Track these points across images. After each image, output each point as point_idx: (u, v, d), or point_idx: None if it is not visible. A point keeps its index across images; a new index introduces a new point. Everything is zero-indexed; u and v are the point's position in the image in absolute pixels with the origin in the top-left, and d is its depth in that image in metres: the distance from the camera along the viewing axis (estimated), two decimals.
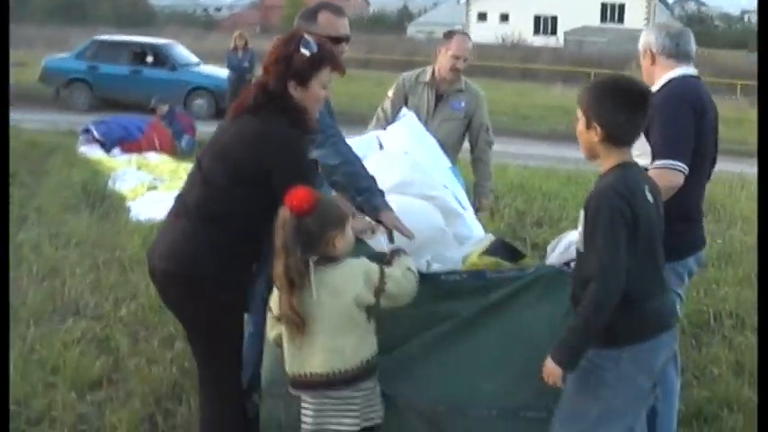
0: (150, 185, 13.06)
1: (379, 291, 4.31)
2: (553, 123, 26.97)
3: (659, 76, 5.29)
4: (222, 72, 24.76)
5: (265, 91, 4.58)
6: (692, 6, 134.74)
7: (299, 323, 4.22)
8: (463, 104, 7.72)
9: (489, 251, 5.47)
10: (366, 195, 5.28)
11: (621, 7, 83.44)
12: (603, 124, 3.99)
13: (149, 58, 26.26)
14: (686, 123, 5.04)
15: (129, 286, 8.32)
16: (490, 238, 5.92)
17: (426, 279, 4.81)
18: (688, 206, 5.12)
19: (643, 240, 3.93)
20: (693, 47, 5.42)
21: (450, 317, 4.91)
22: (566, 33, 69.36)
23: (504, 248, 5.59)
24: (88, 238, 10.15)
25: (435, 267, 5.38)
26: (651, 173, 4.72)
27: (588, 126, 4.06)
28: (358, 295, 4.27)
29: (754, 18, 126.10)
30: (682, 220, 4.93)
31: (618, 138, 4.03)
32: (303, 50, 4.59)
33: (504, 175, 14.23)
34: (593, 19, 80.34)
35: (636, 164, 4.16)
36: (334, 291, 4.26)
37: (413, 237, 5.22)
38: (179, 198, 4.70)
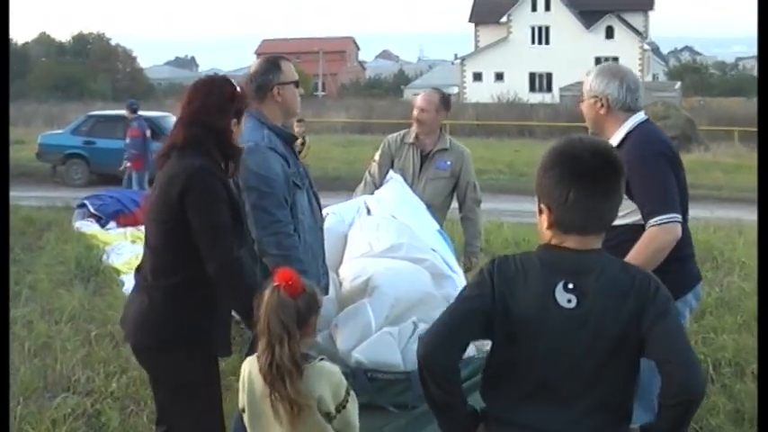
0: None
1: (340, 407, 3.94)
2: None
3: (612, 126, 5.24)
4: None
5: (201, 128, 4.52)
6: (686, 56, 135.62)
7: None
8: (449, 163, 7.73)
9: None
10: None
11: (615, 60, 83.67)
12: (550, 203, 3.20)
13: (148, 132, 26.31)
14: (669, 174, 5.03)
15: (120, 360, 8.23)
16: None
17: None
18: (681, 246, 5.06)
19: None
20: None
21: None
22: (561, 89, 69.52)
23: None
24: (81, 312, 10.09)
25: (422, 327, 5.35)
26: (653, 230, 4.76)
27: (539, 209, 3.29)
28: (321, 396, 3.90)
29: (749, 64, 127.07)
30: (677, 260, 4.95)
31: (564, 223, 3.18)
32: (238, 90, 4.68)
33: (499, 232, 14.23)
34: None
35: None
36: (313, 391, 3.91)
37: None
38: (137, 272, 4.69)
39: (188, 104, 4.61)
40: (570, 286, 3.11)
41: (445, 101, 7.85)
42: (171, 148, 4.56)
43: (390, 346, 5.25)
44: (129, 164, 21.43)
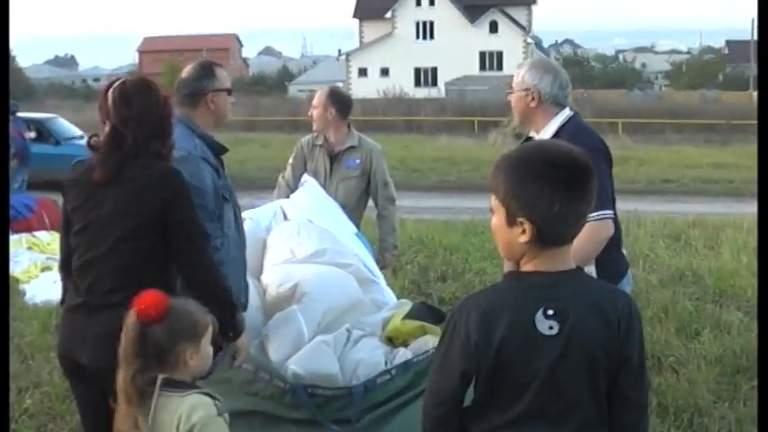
0: (44, 266, 12.70)
1: None
2: (442, 174, 27.23)
3: (542, 119, 5.25)
4: None
5: (146, 131, 4.42)
6: (567, 49, 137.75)
7: None
8: (358, 161, 7.68)
9: (412, 314, 5.38)
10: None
11: (500, 55, 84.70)
12: (532, 217, 2.96)
13: (32, 134, 25.70)
14: (607, 171, 5.11)
15: (31, 375, 7.93)
16: (408, 303, 5.85)
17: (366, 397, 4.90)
18: (615, 238, 5.11)
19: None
20: None
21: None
22: (446, 84, 70.14)
23: (427, 311, 5.52)
24: None
25: (356, 334, 5.31)
26: (593, 225, 4.73)
27: (510, 222, 3.02)
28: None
29: (629, 57, 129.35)
30: (617, 248, 5.19)
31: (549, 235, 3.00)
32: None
33: (403, 231, 14.11)
34: (473, 68, 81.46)
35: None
36: (163, 424, 3.66)
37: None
38: (85, 292, 4.39)
39: (120, 109, 4.43)
40: (550, 312, 2.95)
41: (334, 96, 7.72)
42: (122, 158, 4.36)
43: (327, 355, 5.17)
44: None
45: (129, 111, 4.41)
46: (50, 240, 14.81)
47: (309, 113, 7.72)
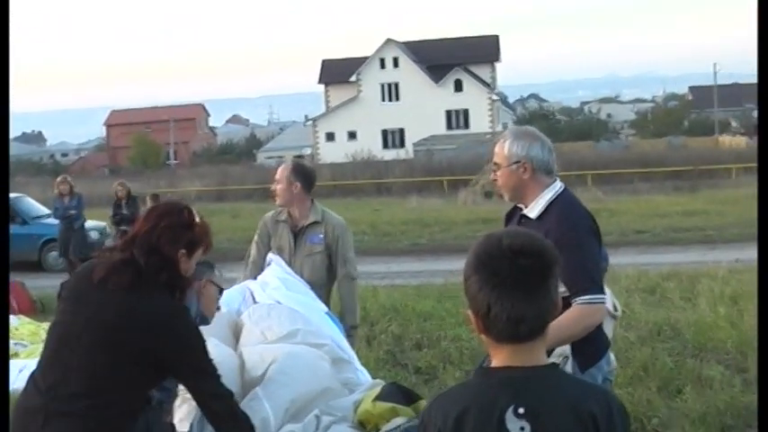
0: (11, 352, 12.43)
1: None
2: (413, 237, 27.08)
3: (533, 192, 5.04)
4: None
5: (156, 254, 4.22)
6: (533, 104, 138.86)
7: None
8: (321, 236, 7.44)
9: (383, 396, 5.22)
10: None
11: (466, 113, 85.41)
12: (474, 311, 2.84)
13: None
14: (595, 250, 4.95)
15: None
16: (380, 383, 5.69)
17: None
18: None
19: None
20: None
21: None
22: (414, 144, 70.41)
23: (398, 392, 5.36)
24: None
25: (326, 420, 5.14)
26: (584, 309, 4.67)
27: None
28: None
29: (595, 108, 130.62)
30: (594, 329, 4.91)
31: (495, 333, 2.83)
32: (198, 220, 4.40)
33: (375, 299, 14.03)
34: (440, 127, 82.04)
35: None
36: None
37: None
38: (46, 391, 4.11)
39: (143, 224, 4.34)
40: (521, 411, 2.75)
41: (298, 170, 7.50)
42: (135, 273, 4.19)
43: None
44: None
45: (149, 228, 4.32)
46: (18, 325, 14.50)
47: (273, 188, 7.53)
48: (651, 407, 8.12)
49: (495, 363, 2.87)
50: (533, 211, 5.00)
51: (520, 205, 5.16)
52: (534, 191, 5.03)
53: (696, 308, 12.36)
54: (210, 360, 4.33)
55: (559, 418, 2.75)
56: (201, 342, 4.31)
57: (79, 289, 4.30)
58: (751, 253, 15.97)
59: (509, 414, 2.74)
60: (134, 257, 4.20)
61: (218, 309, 5.74)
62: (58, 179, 21.80)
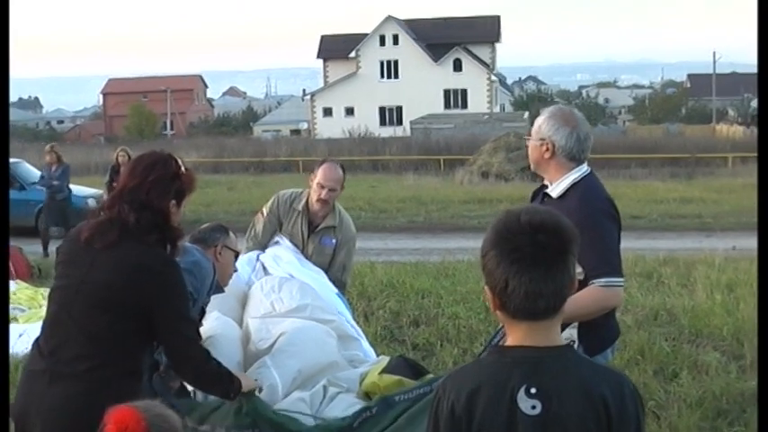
0: (10, 317, 12.44)
1: None
2: (410, 215, 27.02)
3: (556, 172, 5.07)
4: (74, 188, 23.99)
5: (147, 209, 4.24)
6: (531, 86, 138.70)
7: None
8: (334, 241, 7.37)
9: (390, 369, 5.28)
10: None
11: (464, 92, 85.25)
12: (491, 287, 2.88)
13: None
14: (616, 237, 4.97)
15: None
16: (386, 359, 5.73)
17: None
18: None
19: None
20: None
21: None
22: (411, 122, 70.23)
23: (405, 365, 5.41)
24: None
25: (332, 391, 5.19)
26: (600, 291, 4.66)
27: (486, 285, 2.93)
28: None
29: (593, 93, 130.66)
30: (607, 314, 4.93)
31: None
32: (183, 170, 4.40)
33: (373, 275, 14.06)
34: (438, 106, 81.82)
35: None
36: None
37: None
38: (49, 355, 4.20)
39: (128, 179, 4.33)
40: (533, 391, 2.78)
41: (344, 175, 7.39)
42: (122, 229, 4.22)
43: (304, 412, 5.04)
44: None
45: (133, 181, 4.32)
46: (16, 290, 14.51)
47: (322, 195, 7.19)
48: (647, 390, 8.16)
49: (510, 341, 2.91)
50: (555, 190, 5.04)
51: (546, 183, 5.18)
52: (557, 171, 5.07)
53: (693, 294, 12.40)
54: (191, 309, 4.45)
55: (571, 400, 2.78)
56: (186, 293, 4.39)
57: (71, 252, 4.38)
58: (746, 241, 16.03)
59: (521, 393, 2.78)
60: (120, 214, 4.24)
61: (236, 271, 5.79)
62: (46, 148, 21.57)
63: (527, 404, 2.77)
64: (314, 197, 7.22)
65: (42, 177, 21.28)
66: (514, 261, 2.78)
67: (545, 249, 2.79)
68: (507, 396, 2.79)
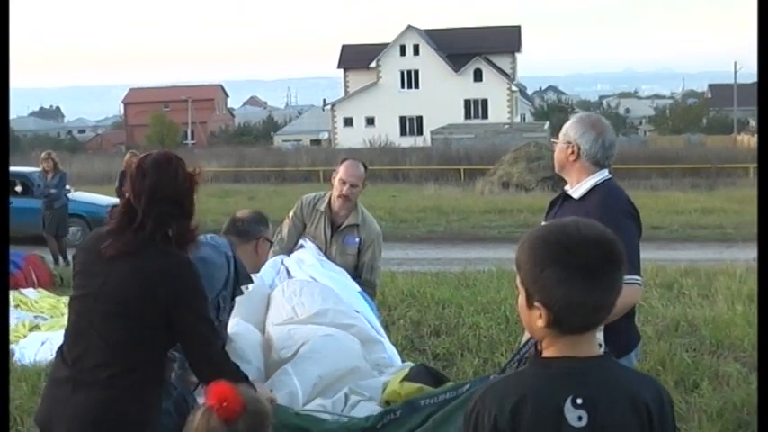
0: (32, 324, 12.48)
1: None
2: (431, 225, 27.01)
3: (578, 175, 5.19)
4: (95, 198, 24.05)
5: (159, 211, 4.25)
6: (551, 96, 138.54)
7: None
8: (357, 240, 7.43)
9: (411, 377, 5.29)
10: None
11: (484, 102, 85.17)
12: (548, 303, 2.80)
13: (18, 188, 25.18)
14: (635, 236, 5.03)
15: None
16: (409, 365, 5.76)
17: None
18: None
19: None
20: None
21: None
22: (432, 132, 70.24)
23: (426, 373, 5.43)
24: None
25: (354, 399, 5.21)
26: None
27: (529, 304, 2.87)
28: None
29: (613, 103, 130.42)
30: (628, 318, 4.98)
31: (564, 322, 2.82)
32: (189, 169, 4.41)
33: (394, 284, 14.07)
34: (458, 116, 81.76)
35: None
36: None
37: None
38: (72, 363, 4.24)
39: (136, 183, 4.31)
40: (579, 401, 2.76)
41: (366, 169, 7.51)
42: (135, 235, 4.23)
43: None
44: None
45: (141, 184, 4.29)
46: (38, 298, 14.60)
47: (343, 191, 7.31)
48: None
49: (551, 352, 2.87)
50: (577, 191, 5.15)
51: (566, 189, 5.28)
52: (580, 174, 5.18)
53: (714, 305, 12.35)
54: (208, 308, 4.45)
55: (616, 409, 2.78)
56: (204, 291, 4.38)
57: (87, 261, 4.40)
58: None
59: (567, 404, 2.76)
60: (133, 219, 4.23)
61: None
62: (42, 155, 20.92)
63: (573, 415, 2.76)
64: (335, 193, 7.32)
65: (38, 186, 20.89)
66: (586, 276, 2.76)
67: (608, 264, 2.82)
68: (553, 408, 2.77)
